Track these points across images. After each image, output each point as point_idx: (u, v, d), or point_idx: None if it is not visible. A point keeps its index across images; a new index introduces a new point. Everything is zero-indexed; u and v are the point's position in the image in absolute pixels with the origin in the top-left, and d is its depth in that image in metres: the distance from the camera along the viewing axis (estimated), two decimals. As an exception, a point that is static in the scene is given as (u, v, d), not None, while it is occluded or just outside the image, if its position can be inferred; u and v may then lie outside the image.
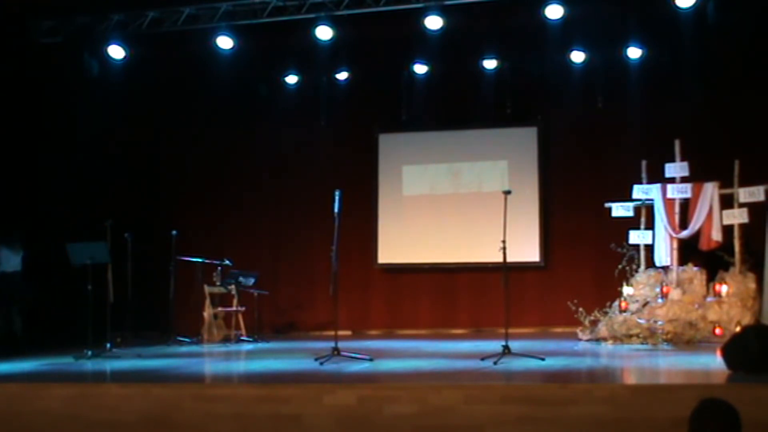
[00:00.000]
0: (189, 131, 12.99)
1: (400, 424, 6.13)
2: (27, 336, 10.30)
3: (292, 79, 12.39)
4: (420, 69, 11.90)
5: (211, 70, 11.36)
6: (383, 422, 6.16)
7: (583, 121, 11.96)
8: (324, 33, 10.28)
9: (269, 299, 12.00)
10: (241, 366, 8.99)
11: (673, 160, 10.41)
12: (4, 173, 10.72)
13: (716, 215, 10.07)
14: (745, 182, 9.99)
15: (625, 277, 10.33)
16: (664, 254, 10.36)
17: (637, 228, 10.52)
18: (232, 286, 11.33)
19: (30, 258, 10.49)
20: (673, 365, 7.91)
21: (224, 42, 10.53)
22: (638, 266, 10.43)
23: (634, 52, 11.04)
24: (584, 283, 11.40)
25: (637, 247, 10.47)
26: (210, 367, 8.87)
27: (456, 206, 12.46)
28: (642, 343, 9.32)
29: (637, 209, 10.58)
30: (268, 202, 12.92)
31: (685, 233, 10.28)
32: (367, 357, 8.25)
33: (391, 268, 12.62)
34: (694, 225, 10.21)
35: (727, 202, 10.10)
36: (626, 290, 10.23)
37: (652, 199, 10.50)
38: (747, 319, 9.51)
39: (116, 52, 10.82)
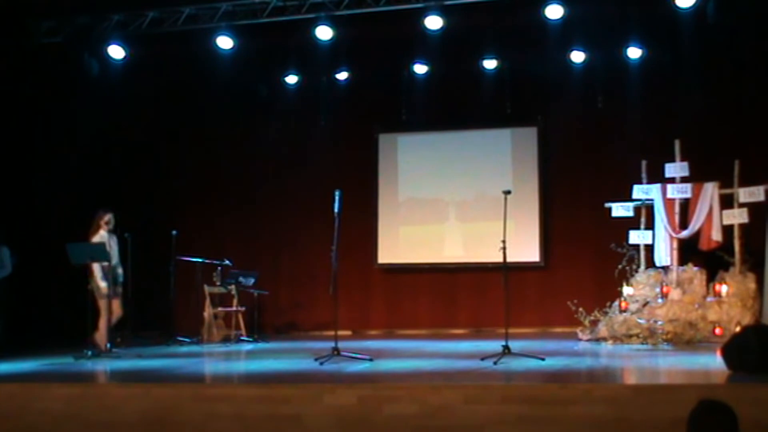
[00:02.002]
0: (189, 131, 12.99)
1: (400, 424, 6.12)
2: (25, 337, 10.30)
3: (292, 79, 12.39)
4: (420, 69, 11.90)
5: (211, 70, 11.38)
6: (383, 422, 6.16)
7: (583, 121, 11.96)
8: (324, 33, 10.27)
9: (269, 299, 12.01)
10: (241, 366, 8.98)
11: (673, 160, 10.42)
12: (3, 173, 10.72)
13: (716, 215, 10.07)
14: (745, 182, 9.99)
15: (625, 277, 10.33)
16: (664, 254, 10.36)
17: (637, 228, 10.52)
18: (232, 286, 11.34)
19: (29, 258, 10.49)
20: (673, 365, 7.90)
21: (224, 42, 10.53)
22: (638, 266, 10.44)
23: (634, 52, 11.04)
24: (584, 283, 11.40)
25: (637, 247, 10.47)
26: (210, 367, 8.86)
27: (456, 206, 12.47)
28: (642, 343, 9.32)
29: (637, 209, 10.58)
30: (268, 202, 12.92)
31: (685, 233, 10.29)
32: (367, 357, 8.25)
33: (391, 268, 12.62)
34: (694, 225, 10.22)
35: (727, 202, 10.10)
36: (626, 290, 10.23)
37: (652, 199, 10.50)
38: (747, 319, 9.51)
39: (116, 52, 10.82)
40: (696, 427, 3.36)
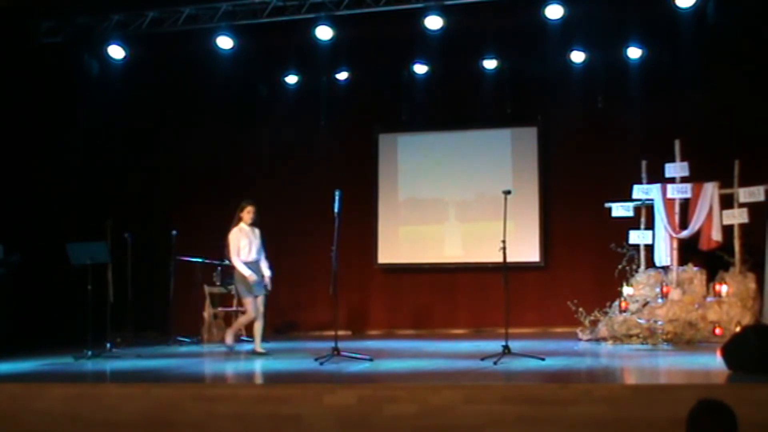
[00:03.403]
0: (189, 131, 12.98)
1: (400, 424, 6.12)
2: (25, 337, 10.30)
3: (292, 79, 12.39)
4: (420, 69, 11.90)
5: (211, 70, 11.37)
6: (383, 422, 6.16)
7: (583, 121, 11.96)
8: (324, 33, 10.28)
9: (269, 299, 11.94)
10: (241, 366, 8.99)
11: (673, 160, 10.42)
12: (3, 173, 10.72)
13: (716, 215, 10.07)
14: (745, 182, 9.99)
15: (625, 277, 10.32)
16: (664, 254, 10.36)
17: (637, 228, 10.52)
18: (232, 286, 11.32)
19: (29, 258, 10.49)
20: (673, 365, 7.90)
21: (224, 42, 10.53)
22: (638, 266, 10.44)
23: (634, 52, 11.05)
24: (584, 283, 11.39)
25: (637, 247, 10.47)
26: (210, 367, 8.86)
27: (456, 206, 12.47)
28: (642, 343, 9.32)
29: (637, 209, 10.58)
30: (268, 202, 12.84)
31: (685, 233, 10.29)
32: (367, 357, 8.25)
33: (391, 268, 12.62)
34: (694, 225, 10.22)
35: (727, 202, 10.10)
36: (626, 290, 10.23)
37: (652, 199, 10.50)
38: (747, 319, 9.51)
39: (116, 52, 10.82)
40: (695, 427, 3.36)
